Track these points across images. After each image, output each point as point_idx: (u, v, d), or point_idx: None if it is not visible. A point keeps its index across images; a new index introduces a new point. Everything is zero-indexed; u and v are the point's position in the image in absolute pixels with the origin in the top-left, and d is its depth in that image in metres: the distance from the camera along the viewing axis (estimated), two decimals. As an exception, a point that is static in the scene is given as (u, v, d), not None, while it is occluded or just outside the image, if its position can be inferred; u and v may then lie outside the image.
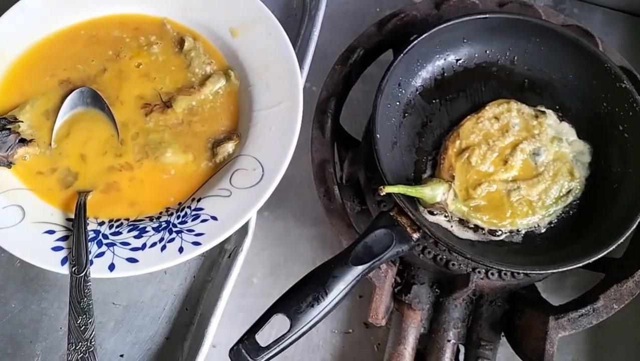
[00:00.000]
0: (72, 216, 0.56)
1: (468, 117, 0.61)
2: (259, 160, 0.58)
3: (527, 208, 0.57)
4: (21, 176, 0.59)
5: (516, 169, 0.59)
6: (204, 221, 0.56)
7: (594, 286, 0.58)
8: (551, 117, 0.61)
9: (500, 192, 0.58)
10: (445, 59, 0.64)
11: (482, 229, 0.57)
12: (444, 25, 0.60)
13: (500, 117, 0.61)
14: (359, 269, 0.50)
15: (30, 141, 0.60)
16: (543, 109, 0.62)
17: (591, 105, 0.61)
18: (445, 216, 0.56)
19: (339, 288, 0.49)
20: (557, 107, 0.63)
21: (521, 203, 0.57)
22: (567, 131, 0.61)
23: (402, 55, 0.59)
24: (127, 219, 0.57)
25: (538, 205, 0.58)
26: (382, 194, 0.51)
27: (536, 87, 0.63)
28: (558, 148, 0.60)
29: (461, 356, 0.59)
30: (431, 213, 0.56)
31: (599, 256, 0.51)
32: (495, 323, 0.57)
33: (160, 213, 0.58)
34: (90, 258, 0.54)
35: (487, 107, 0.61)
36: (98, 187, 0.59)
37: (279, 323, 0.47)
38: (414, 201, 0.55)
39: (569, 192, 0.58)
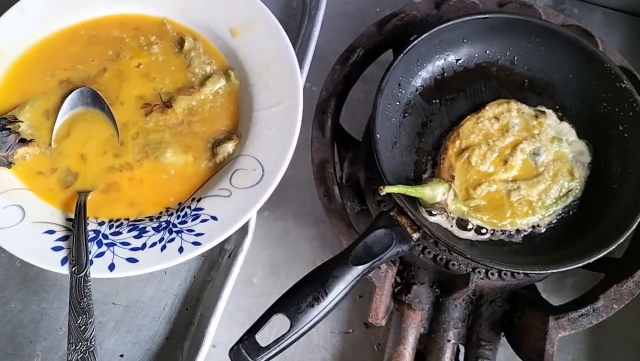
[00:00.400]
0: (72, 216, 0.56)
1: (468, 117, 0.61)
2: (259, 160, 0.58)
3: (527, 207, 0.57)
4: (21, 176, 0.59)
5: (516, 169, 0.59)
6: (204, 221, 0.56)
7: (594, 286, 0.58)
8: (551, 117, 0.61)
9: (500, 192, 0.58)
10: (445, 59, 0.64)
11: (483, 228, 0.57)
12: (444, 25, 0.60)
13: (500, 117, 0.61)
14: (359, 269, 0.50)
15: (30, 141, 0.60)
16: (543, 109, 0.62)
17: (591, 105, 0.61)
18: (446, 217, 0.56)
19: (339, 288, 0.49)
20: (557, 107, 0.63)
21: (521, 203, 0.57)
22: (567, 131, 0.61)
23: (402, 55, 0.59)
24: (127, 219, 0.57)
25: (538, 205, 0.58)
26: (382, 194, 0.51)
27: (536, 87, 0.63)
28: (558, 148, 0.60)
29: (461, 357, 0.59)
30: (431, 213, 0.56)
31: (599, 256, 0.51)
32: (495, 323, 0.57)
33: (160, 213, 0.58)
34: (90, 258, 0.54)
35: (487, 107, 0.61)
36: (98, 187, 0.59)
37: (279, 323, 0.47)
38: (414, 201, 0.55)
39: (569, 192, 0.58)
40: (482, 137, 0.60)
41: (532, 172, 0.59)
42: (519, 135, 0.60)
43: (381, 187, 0.51)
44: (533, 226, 0.57)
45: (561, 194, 0.58)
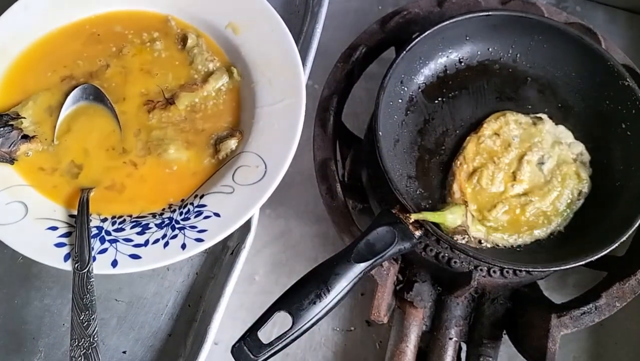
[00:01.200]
0: (75, 213, 0.56)
1: (468, 138, 0.60)
2: (261, 157, 0.58)
3: (542, 218, 0.57)
4: (24, 172, 0.59)
5: (526, 182, 0.59)
6: (206, 217, 0.56)
7: (597, 284, 0.58)
8: (548, 122, 0.61)
9: (515, 209, 0.58)
10: (447, 57, 0.64)
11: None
12: (446, 22, 0.60)
13: (500, 133, 0.60)
14: (361, 266, 0.50)
15: (33, 137, 0.60)
16: (539, 115, 0.62)
17: (594, 103, 0.61)
18: (469, 241, 0.55)
19: (341, 286, 0.49)
20: (560, 105, 0.62)
21: (537, 215, 0.57)
22: (565, 133, 0.61)
23: (404, 52, 0.59)
24: (130, 216, 0.57)
25: (552, 214, 0.57)
26: (411, 221, 0.52)
27: (539, 85, 0.63)
28: (560, 152, 0.60)
29: (463, 354, 0.59)
30: (454, 238, 0.55)
31: (602, 254, 0.51)
32: (497, 321, 0.57)
33: (163, 209, 0.58)
34: (93, 255, 0.54)
35: (484, 125, 0.61)
36: (101, 184, 0.59)
37: (281, 320, 0.47)
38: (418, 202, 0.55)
39: (579, 194, 0.58)
40: (487, 157, 0.59)
41: (541, 180, 0.59)
42: (521, 146, 0.60)
43: (408, 215, 0.52)
44: (550, 233, 0.57)
45: (572, 198, 0.58)
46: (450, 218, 0.54)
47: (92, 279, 0.53)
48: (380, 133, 0.56)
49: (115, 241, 0.56)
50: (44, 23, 0.65)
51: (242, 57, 0.64)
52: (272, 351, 0.47)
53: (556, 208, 0.58)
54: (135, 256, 0.54)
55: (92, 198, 0.58)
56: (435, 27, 0.60)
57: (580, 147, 0.61)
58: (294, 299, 0.48)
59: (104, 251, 0.55)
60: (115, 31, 0.66)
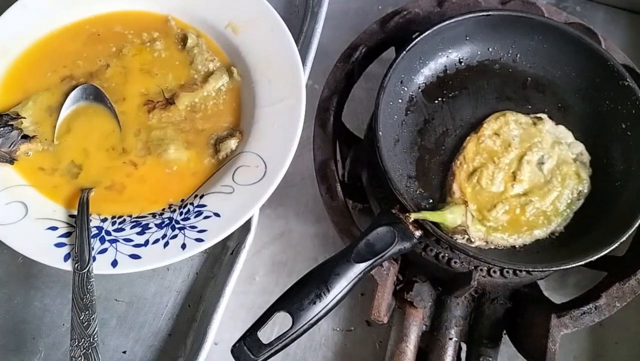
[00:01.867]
0: (75, 213, 0.56)
1: (468, 138, 0.60)
2: (261, 157, 0.58)
3: (542, 218, 0.57)
4: (24, 172, 0.60)
5: (526, 182, 0.58)
6: (206, 217, 0.56)
7: (597, 284, 0.58)
8: (548, 122, 0.61)
9: (515, 209, 0.57)
10: (447, 57, 0.64)
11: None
12: (446, 22, 0.60)
13: (500, 133, 0.60)
14: (361, 266, 0.50)
15: (33, 137, 0.60)
16: (539, 115, 0.62)
17: (594, 103, 0.61)
18: (468, 240, 0.55)
19: (341, 286, 0.49)
20: (560, 105, 0.62)
21: (537, 215, 0.57)
22: (565, 133, 0.61)
23: (404, 52, 0.59)
24: (130, 216, 0.58)
25: (552, 213, 0.57)
26: (411, 220, 0.52)
27: (539, 85, 0.63)
28: (560, 152, 0.60)
29: (463, 354, 0.59)
30: (454, 238, 0.55)
31: (602, 254, 0.51)
32: (498, 321, 0.57)
33: (163, 209, 0.58)
34: (93, 255, 0.54)
35: (484, 125, 0.60)
36: (101, 184, 0.59)
37: (281, 320, 0.47)
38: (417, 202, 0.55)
39: (579, 194, 0.58)
40: (487, 157, 0.59)
41: (541, 180, 0.59)
42: (521, 147, 0.60)
43: (408, 214, 0.52)
44: (549, 233, 0.57)
45: (572, 198, 0.58)
46: (450, 217, 0.54)
47: (92, 279, 0.53)
48: (380, 133, 0.56)
49: (115, 241, 0.56)
50: (44, 23, 0.65)
51: (242, 57, 0.64)
52: (272, 351, 0.47)
53: (556, 207, 0.58)
54: (135, 256, 0.55)
55: (92, 198, 0.58)
56: (435, 27, 0.60)
57: (580, 147, 0.61)
58: (294, 300, 0.48)
59: (104, 251, 0.55)
60: (115, 31, 0.66)
